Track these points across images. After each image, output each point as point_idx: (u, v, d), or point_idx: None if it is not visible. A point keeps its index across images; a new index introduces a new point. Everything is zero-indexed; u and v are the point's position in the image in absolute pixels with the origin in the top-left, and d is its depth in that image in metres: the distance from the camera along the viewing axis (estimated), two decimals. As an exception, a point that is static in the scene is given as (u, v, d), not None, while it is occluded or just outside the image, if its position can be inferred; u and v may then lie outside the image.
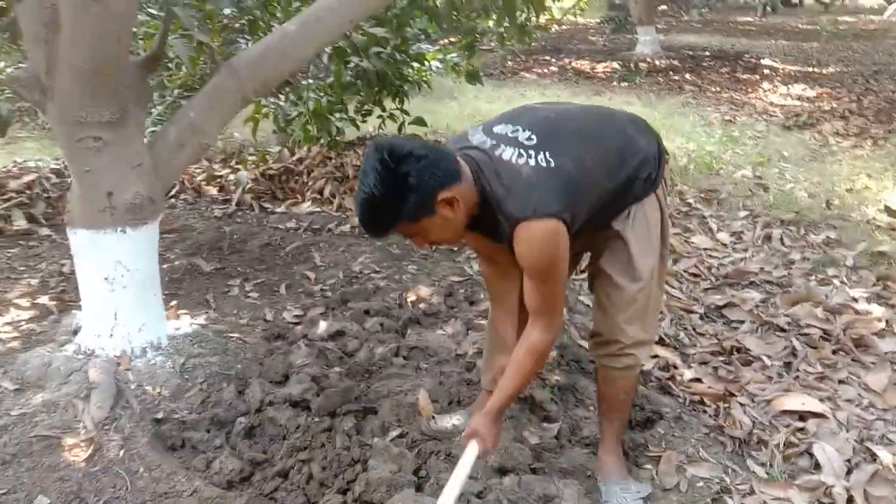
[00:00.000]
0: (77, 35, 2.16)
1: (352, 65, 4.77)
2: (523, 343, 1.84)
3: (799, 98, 8.16)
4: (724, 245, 4.00)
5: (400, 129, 5.44)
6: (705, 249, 3.90)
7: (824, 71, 9.99)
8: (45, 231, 4.09)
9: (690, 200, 4.68)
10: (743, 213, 4.43)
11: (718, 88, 8.95)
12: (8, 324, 2.99)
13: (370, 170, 1.60)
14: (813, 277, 3.53)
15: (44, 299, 3.21)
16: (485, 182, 1.72)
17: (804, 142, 6.23)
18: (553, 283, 1.77)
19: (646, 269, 1.92)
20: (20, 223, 4.14)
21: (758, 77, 9.59)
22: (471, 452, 1.82)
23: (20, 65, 5.49)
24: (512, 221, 1.69)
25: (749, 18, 17.00)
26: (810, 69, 10.14)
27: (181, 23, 2.66)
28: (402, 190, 1.60)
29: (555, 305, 1.81)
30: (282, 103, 5.15)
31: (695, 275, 3.61)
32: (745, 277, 3.53)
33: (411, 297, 3.21)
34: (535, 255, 1.71)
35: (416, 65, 5.49)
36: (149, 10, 3.85)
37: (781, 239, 4.00)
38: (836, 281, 3.48)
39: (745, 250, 3.90)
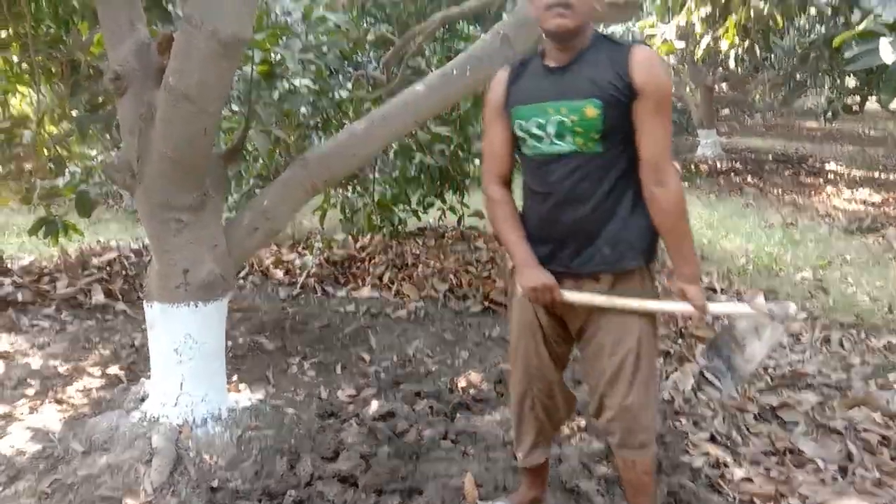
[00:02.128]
0: (168, 128, 2.41)
1: (416, 160, 5.02)
2: (665, 202, 1.80)
3: (863, 202, 8.08)
4: (783, 346, 3.94)
5: (459, 222, 5.64)
6: (761, 350, 3.85)
7: (890, 177, 9.88)
8: (120, 306, 4.34)
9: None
10: (802, 315, 4.37)
11: (780, 191, 8.94)
12: (80, 391, 3.18)
13: None
14: (873, 382, 3.45)
15: (114, 369, 3.41)
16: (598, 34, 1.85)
17: (867, 246, 6.14)
18: (670, 118, 1.78)
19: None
20: (98, 298, 4.41)
21: (821, 181, 9.56)
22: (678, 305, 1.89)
23: (109, 152, 5.98)
24: (628, 44, 1.78)
25: (813, 123, 17.01)
26: (875, 174, 10.04)
27: (261, 120, 2.92)
28: None
29: (669, 147, 1.80)
30: (349, 194, 5.42)
31: (751, 375, 3.57)
32: (802, 379, 3.47)
33: (462, 383, 3.28)
34: (664, 75, 1.76)
35: (477, 161, 5.73)
36: (232, 106, 4.19)
37: (841, 342, 3.93)
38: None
39: (803, 352, 3.85)
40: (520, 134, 1.91)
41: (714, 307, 1.85)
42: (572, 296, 1.90)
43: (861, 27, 1.98)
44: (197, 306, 2.58)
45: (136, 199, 2.61)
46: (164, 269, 2.58)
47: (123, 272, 4.72)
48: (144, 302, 2.68)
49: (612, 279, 1.89)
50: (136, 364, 3.47)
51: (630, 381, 1.90)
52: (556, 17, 1.74)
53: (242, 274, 4.93)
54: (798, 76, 10.38)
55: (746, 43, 4.85)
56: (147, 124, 2.46)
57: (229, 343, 3.51)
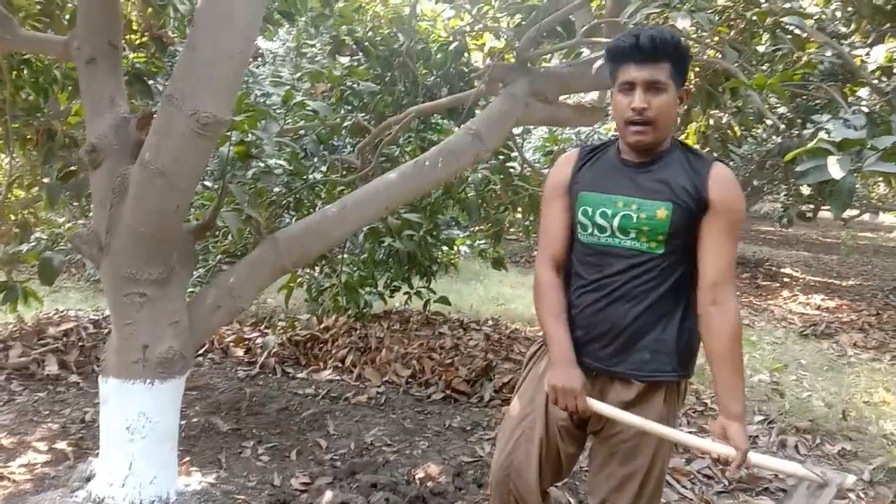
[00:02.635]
0: (140, 202, 2.43)
1: (385, 244, 5.08)
2: (723, 324, 1.72)
3: (818, 308, 8.29)
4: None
5: (425, 307, 5.66)
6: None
7: (844, 283, 10.19)
8: (74, 378, 4.23)
9: (707, 400, 4.69)
10: (759, 418, 4.41)
11: (738, 293, 9.14)
12: (24, 465, 3.05)
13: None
14: (828, 489, 3.46)
15: (62, 444, 3.29)
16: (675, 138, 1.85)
17: (822, 351, 6.27)
18: (736, 240, 1.77)
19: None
20: (52, 368, 4.29)
21: (778, 285, 9.81)
22: (717, 446, 1.71)
23: (76, 221, 5.94)
24: (710, 158, 1.77)
25: (770, 228, 17.60)
26: (830, 280, 10.36)
27: (234, 197, 2.95)
28: (684, 49, 1.76)
29: (734, 265, 1.77)
30: (316, 274, 5.43)
31: (708, 476, 3.56)
32: (759, 484, 3.48)
33: (420, 474, 3.22)
34: (740, 197, 1.75)
35: (445, 248, 5.81)
36: (205, 182, 4.24)
37: (797, 447, 3.96)
38: (851, 495, 3.41)
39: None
40: (582, 220, 1.85)
41: (758, 458, 1.69)
42: (598, 405, 1.80)
43: (811, 144, 2.09)
44: (153, 384, 2.53)
45: (101, 271, 2.60)
46: (123, 343, 2.54)
47: (80, 343, 4.61)
48: (100, 376, 2.62)
49: (643, 386, 1.83)
50: (85, 440, 3.35)
51: (637, 493, 1.86)
52: (635, 136, 1.76)
53: (201, 351, 4.84)
54: (755, 182, 10.80)
55: (706, 150, 5.08)
56: (119, 198, 2.48)
57: (182, 422, 3.41)
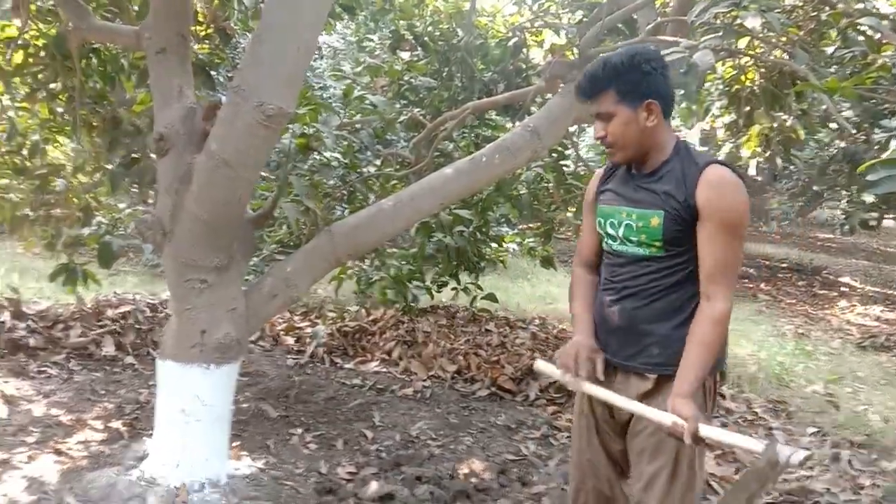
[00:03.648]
0: (204, 191, 2.48)
1: (435, 239, 5.09)
2: (702, 315, 1.82)
3: (877, 319, 8.03)
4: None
5: (472, 303, 5.66)
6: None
7: (906, 295, 9.86)
8: (129, 360, 4.34)
9: (758, 409, 4.59)
10: (812, 430, 4.30)
11: (794, 301, 8.92)
12: (80, 443, 3.15)
13: (625, 49, 1.91)
14: (884, 506, 3.36)
15: (117, 424, 3.38)
16: (681, 144, 1.94)
17: (880, 364, 6.07)
18: (736, 243, 1.82)
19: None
20: (109, 349, 4.42)
21: (835, 294, 9.53)
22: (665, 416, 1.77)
23: (137, 207, 6.10)
24: (703, 163, 1.84)
25: (830, 235, 17.11)
26: (891, 291, 10.02)
27: (293, 188, 2.99)
28: (633, 67, 1.85)
29: (734, 272, 1.84)
30: (365, 267, 5.47)
31: (758, 487, 3.49)
32: (810, 497, 3.39)
33: (464, 470, 3.23)
34: (728, 199, 1.80)
35: (494, 245, 5.79)
36: (262, 173, 4.30)
37: (850, 461, 3.84)
38: (910, 515, 3.29)
39: (812, 469, 3.76)
40: (600, 231, 2.05)
41: (707, 430, 1.71)
42: (589, 387, 1.94)
43: (886, 155, 2.03)
44: (209, 368, 2.58)
45: (163, 256, 2.66)
46: (182, 328, 2.60)
47: (136, 326, 4.73)
48: (157, 358, 2.68)
49: (656, 378, 1.91)
50: (139, 420, 3.44)
51: (666, 490, 1.88)
52: (609, 156, 1.97)
53: (253, 338, 4.93)
54: (816, 188, 10.49)
55: (767, 153, 4.95)
56: (184, 186, 2.54)
57: (233, 407, 3.48)
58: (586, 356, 1.95)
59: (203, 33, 4.08)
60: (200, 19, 4.04)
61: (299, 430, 3.52)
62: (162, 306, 5.14)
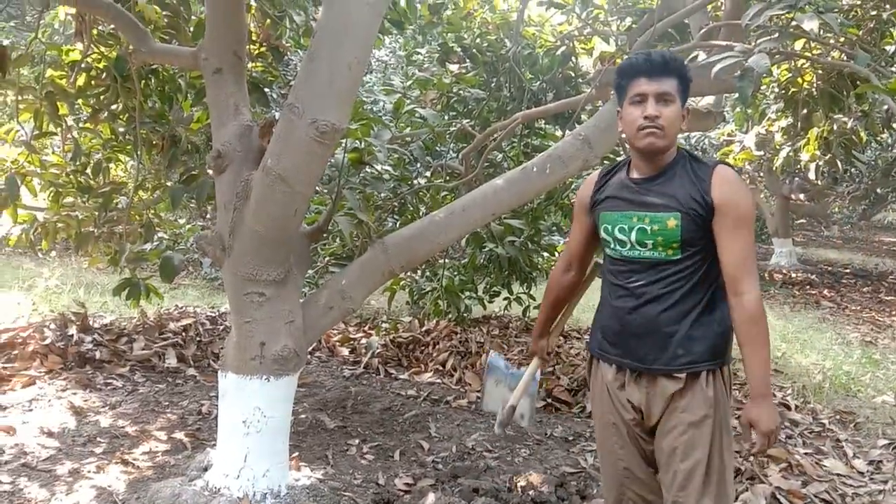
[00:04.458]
0: (262, 206, 2.53)
1: (486, 249, 5.09)
2: (741, 313, 1.87)
3: (949, 326, 7.70)
4: (861, 473, 3.72)
5: (524, 313, 5.63)
6: (838, 475, 3.64)
7: (979, 300, 9.42)
8: (191, 371, 4.45)
9: (824, 420, 4.44)
10: (882, 442, 4.13)
11: (859, 307, 8.61)
12: (146, 453, 3.24)
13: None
14: (962, 523, 3.21)
15: (180, 434, 3.47)
16: (683, 150, 2.02)
17: (954, 373, 5.81)
18: (751, 234, 1.89)
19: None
20: (171, 361, 4.55)
21: (903, 299, 9.18)
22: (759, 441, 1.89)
23: (196, 222, 6.27)
24: (712, 163, 1.93)
25: (894, 239, 16.49)
26: (962, 297, 9.59)
27: (346, 202, 3.03)
28: (687, 71, 1.95)
29: (755, 262, 1.90)
30: (417, 278, 5.50)
31: (826, 501, 3.37)
32: (882, 512, 3.26)
33: (521, 483, 3.20)
34: (742, 194, 1.88)
35: (546, 254, 5.76)
36: (318, 188, 4.37)
37: (926, 475, 3.68)
38: None
39: (884, 482, 3.61)
40: (605, 237, 2.06)
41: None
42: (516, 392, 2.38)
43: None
44: (269, 380, 2.63)
45: (223, 271, 2.72)
46: (242, 341, 2.65)
47: (198, 338, 4.86)
48: (219, 371, 2.75)
49: (684, 377, 1.93)
50: (202, 431, 3.52)
51: (702, 486, 1.89)
52: (647, 137, 1.91)
53: (310, 349, 5.00)
54: (879, 190, 10.15)
55: (827, 156, 4.82)
56: (242, 202, 2.60)
57: (292, 418, 3.54)
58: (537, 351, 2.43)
59: (256, 52, 4.18)
60: (253, 38, 4.13)
61: (356, 441, 3.56)
62: (222, 319, 5.26)
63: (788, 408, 4.52)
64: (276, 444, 2.71)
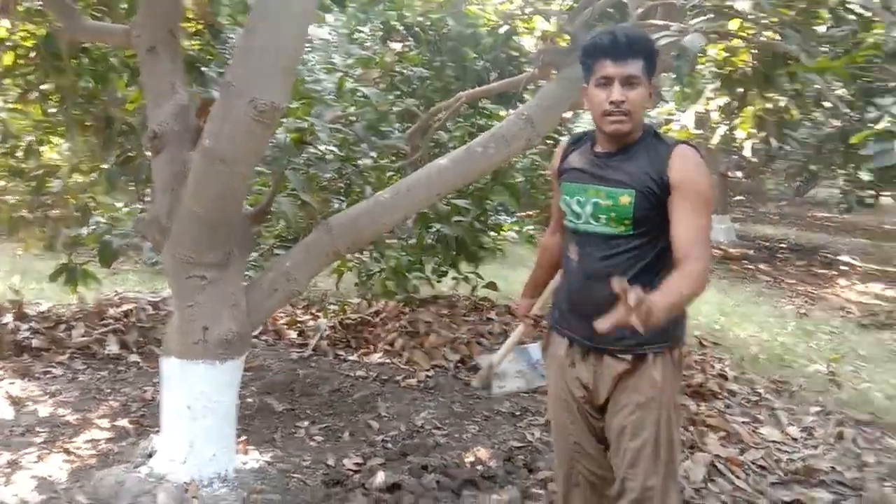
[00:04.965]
0: (201, 188, 2.48)
1: (433, 229, 5.10)
2: (683, 270, 1.77)
3: (877, 297, 8.05)
4: (794, 440, 3.89)
5: (473, 292, 5.68)
6: (774, 442, 3.80)
7: (905, 271, 9.87)
8: (133, 358, 4.36)
9: (760, 390, 4.61)
10: (815, 409, 4.32)
11: (794, 281, 8.94)
12: (88, 442, 3.17)
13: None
14: (888, 483, 3.38)
15: (124, 422, 3.40)
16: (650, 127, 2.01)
17: (882, 342, 6.10)
18: (707, 214, 1.88)
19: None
20: (112, 348, 4.44)
21: (835, 272, 9.55)
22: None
23: (134, 205, 6.10)
24: (672, 143, 1.92)
25: (827, 214, 17.10)
26: (890, 268, 10.03)
27: (289, 183, 3.00)
28: (654, 47, 1.94)
29: (708, 243, 1.89)
30: (365, 259, 5.48)
31: (762, 467, 3.51)
32: (815, 476, 3.41)
33: (470, 458, 3.25)
34: (701, 174, 1.87)
35: (493, 233, 5.80)
36: (260, 168, 4.30)
37: (855, 439, 3.86)
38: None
39: (816, 447, 3.78)
40: (564, 207, 2.06)
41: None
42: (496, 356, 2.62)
43: (879, 126, 2.04)
44: (214, 364, 2.60)
45: (163, 254, 2.67)
46: (184, 325, 2.61)
47: (139, 324, 4.75)
48: (162, 356, 2.70)
49: (631, 359, 1.95)
50: (146, 418, 3.46)
51: (651, 465, 1.93)
52: (613, 124, 1.90)
53: (256, 333, 4.95)
54: (812, 167, 10.49)
55: (762, 134, 4.95)
56: (180, 183, 2.55)
57: (238, 402, 3.50)
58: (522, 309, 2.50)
59: (193, 29, 4.07)
60: (189, 15, 4.02)
61: (305, 423, 3.54)
62: (164, 304, 5.15)
63: (726, 378, 4.68)
64: (223, 428, 2.69)
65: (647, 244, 1.92)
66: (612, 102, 1.86)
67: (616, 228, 1.92)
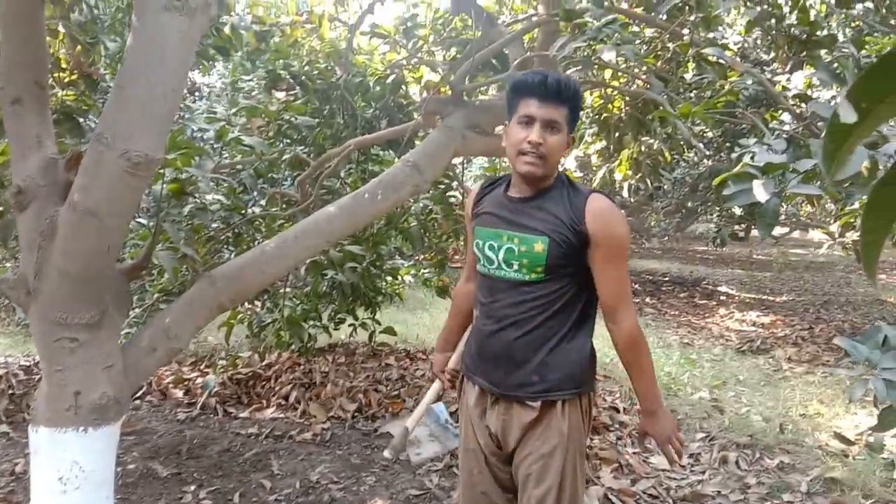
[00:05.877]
0: (70, 244, 2.35)
1: (328, 276, 5.04)
2: (621, 340, 1.91)
3: (753, 324, 8.56)
4: (683, 467, 4.03)
5: (370, 338, 5.62)
6: (663, 471, 3.93)
7: (777, 299, 10.55)
8: (3, 428, 4.04)
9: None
10: (700, 435, 4.51)
11: (677, 312, 9.38)
12: (-53, 525, 2.89)
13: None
14: (769, 502, 3.55)
15: (-11, 500, 3.13)
16: (563, 175, 2.00)
17: (759, 366, 6.47)
18: (625, 263, 1.91)
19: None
20: (-21, 419, 4.10)
21: (715, 303, 10.10)
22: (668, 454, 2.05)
23: (6, 265, 5.72)
24: (586, 192, 1.90)
25: (705, 248, 18.13)
26: (764, 297, 10.71)
27: (168, 236, 2.90)
28: (581, 99, 1.96)
29: (629, 290, 1.94)
30: (258, 310, 5.34)
31: (653, 496, 3.62)
32: (703, 500, 3.55)
33: (367, 510, 3.18)
34: (616, 224, 1.86)
35: (389, 278, 5.80)
36: (140, 220, 4.14)
37: (737, 462, 4.06)
38: (792, 507, 3.50)
39: (703, 472, 3.94)
40: (476, 252, 2.03)
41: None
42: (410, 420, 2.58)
43: (737, 169, 2.17)
44: (87, 431, 2.43)
45: (29, 316, 2.50)
46: (54, 391, 2.44)
47: (10, 391, 4.42)
48: (30, 426, 2.51)
49: (539, 406, 1.94)
50: (15, 493, 3.20)
51: None
52: (527, 165, 1.87)
53: (139, 393, 4.70)
54: (689, 204, 11.14)
55: (638, 175, 5.23)
56: (48, 240, 2.40)
57: (119, 469, 3.30)
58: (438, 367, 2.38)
59: (67, 79, 3.91)
60: (63, 65, 3.87)
61: (192, 488, 3.37)
62: (37, 368, 4.82)
63: (617, 410, 4.82)
64: (99, 499, 2.51)
65: (556, 292, 1.91)
66: (529, 142, 1.85)
67: (527, 275, 1.90)
